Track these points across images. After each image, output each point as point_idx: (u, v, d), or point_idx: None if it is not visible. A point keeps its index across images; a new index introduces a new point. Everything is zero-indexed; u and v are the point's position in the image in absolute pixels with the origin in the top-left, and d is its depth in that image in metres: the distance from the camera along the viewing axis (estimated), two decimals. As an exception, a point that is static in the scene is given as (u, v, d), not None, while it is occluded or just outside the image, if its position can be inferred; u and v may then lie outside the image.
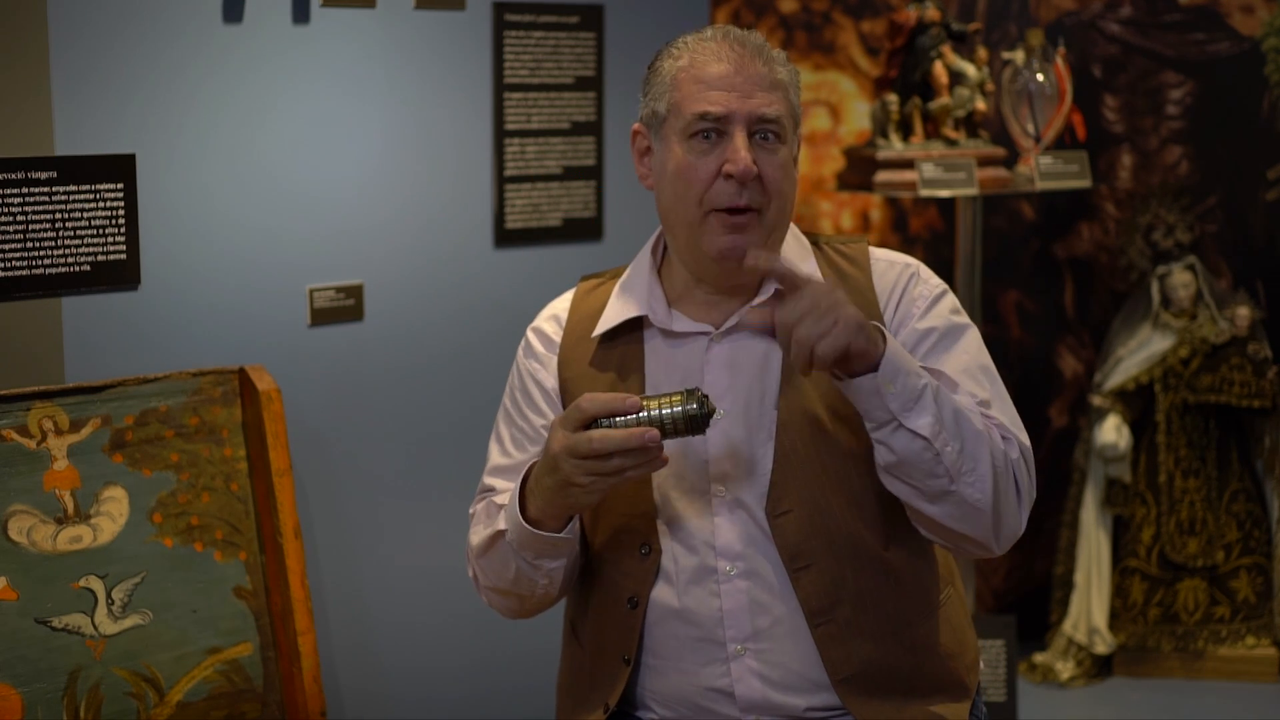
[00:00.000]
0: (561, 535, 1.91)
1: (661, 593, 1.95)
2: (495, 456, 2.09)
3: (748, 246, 1.90)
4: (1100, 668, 3.72)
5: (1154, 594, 3.73)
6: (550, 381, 2.06)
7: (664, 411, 1.81)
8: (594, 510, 1.99)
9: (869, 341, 1.77)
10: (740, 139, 1.89)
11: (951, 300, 2.01)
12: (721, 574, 1.93)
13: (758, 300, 1.97)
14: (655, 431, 1.79)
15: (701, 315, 1.99)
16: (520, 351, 2.11)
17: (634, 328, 2.02)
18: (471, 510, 2.09)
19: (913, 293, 1.99)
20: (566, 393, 2.04)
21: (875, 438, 1.84)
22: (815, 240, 2.07)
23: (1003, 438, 1.89)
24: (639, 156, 2.03)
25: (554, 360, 2.07)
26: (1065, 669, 3.68)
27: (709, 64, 1.92)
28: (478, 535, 2.02)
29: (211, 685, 2.52)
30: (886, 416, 1.80)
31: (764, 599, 1.92)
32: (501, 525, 1.96)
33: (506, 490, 2.03)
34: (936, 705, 1.95)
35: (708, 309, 1.99)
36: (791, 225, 2.03)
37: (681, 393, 1.82)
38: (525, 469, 1.95)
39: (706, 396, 1.83)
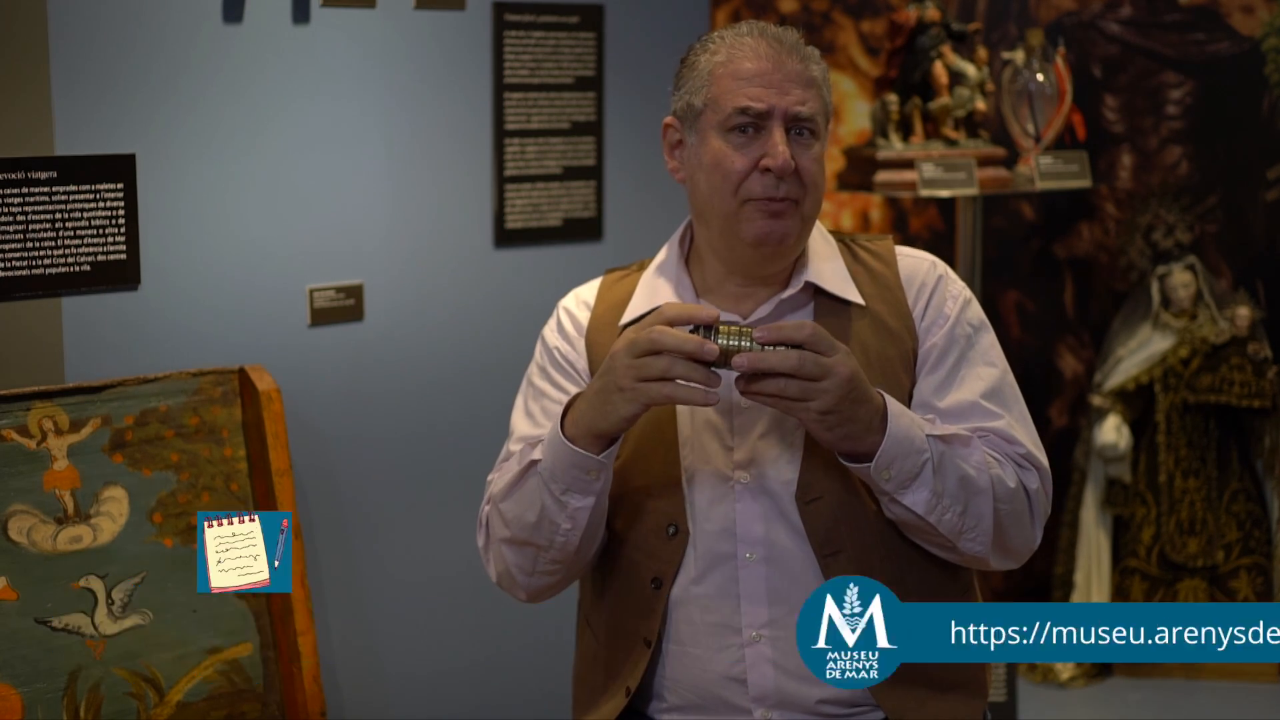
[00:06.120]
0: (597, 458, 1.87)
1: (683, 575, 1.96)
2: (524, 428, 2.06)
3: (784, 232, 1.93)
4: (1100, 668, 3.72)
5: (1154, 594, 3.73)
6: (580, 362, 2.06)
7: (726, 342, 1.80)
8: (620, 489, 1.98)
9: (854, 439, 1.83)
10: (779, 134, 1.91)
11: (976, 306, 2.05)
12: (741, 559, 1.94)
13: (788, 293, 1.99)
14: (714, 346, 1.78)
15: (731, 306, 2.00)
16: (552, 327, 2.10)
17: None
18: (490, 477, 2.07)
19: (943, 293, 2.02)
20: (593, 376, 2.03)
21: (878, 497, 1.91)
22: (841, 238, 2.09)
23: (1020, 468, 1.95)
24: (669, 149, 2.04)
25: (582, 343, 2.07)
26: (1065, 669, 3.68)
27: (747, 60, 1.94)
28: (503, 480, 1.99)
29: (211, 685, 2.52)
30: (880, 490, 1.88)
31: (782, 586, 1.93)
32: (536, 456, 1.93)
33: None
34: (956, 699, 1.99)
35: (738, 300, 2.00)
36: (817, 222, 2.05)
37: (740, 328, 1.82)
38: (566, 401, 1.93)
39: (740, 330, 1.81)
